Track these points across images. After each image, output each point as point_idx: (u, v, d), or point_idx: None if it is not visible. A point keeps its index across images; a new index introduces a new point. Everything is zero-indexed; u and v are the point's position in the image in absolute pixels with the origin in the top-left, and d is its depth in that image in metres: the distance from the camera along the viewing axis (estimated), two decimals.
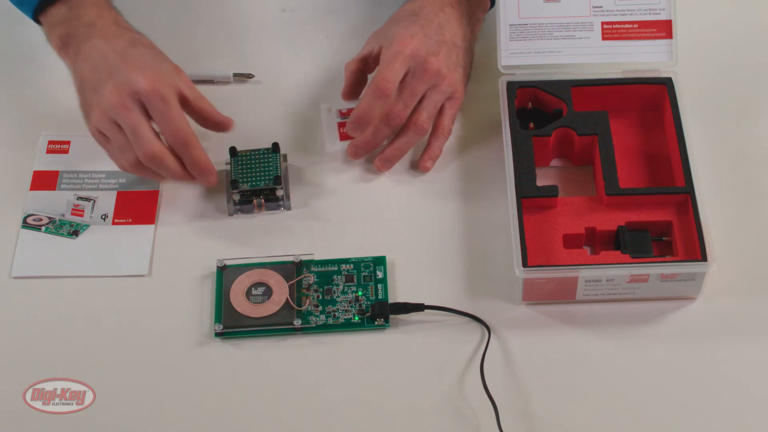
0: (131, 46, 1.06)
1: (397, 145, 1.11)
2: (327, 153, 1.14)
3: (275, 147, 1.11)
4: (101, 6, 1.08)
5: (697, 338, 1.02)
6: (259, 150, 1.11)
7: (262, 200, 1.09)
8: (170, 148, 1.05)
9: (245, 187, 1.09)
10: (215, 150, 1.11)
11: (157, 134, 1.04)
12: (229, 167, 1.10)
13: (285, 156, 1.12)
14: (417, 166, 1.12)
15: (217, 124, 1.09)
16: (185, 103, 1.07)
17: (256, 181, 1.09)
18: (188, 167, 1.06)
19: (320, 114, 1.16)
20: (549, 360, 1.01)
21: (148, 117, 1.04)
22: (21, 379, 1.00)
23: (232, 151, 1.10)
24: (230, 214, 1.09)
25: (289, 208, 1.10)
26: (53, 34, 1.09)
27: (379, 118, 1.09)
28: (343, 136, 1.14)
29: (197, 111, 1.08)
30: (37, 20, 1.10)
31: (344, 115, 1.15)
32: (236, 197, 1.09)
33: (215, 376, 1.01)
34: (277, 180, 1.09)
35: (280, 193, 1.09)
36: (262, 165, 1.10)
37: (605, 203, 1.06)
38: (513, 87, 1.11)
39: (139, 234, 1.09)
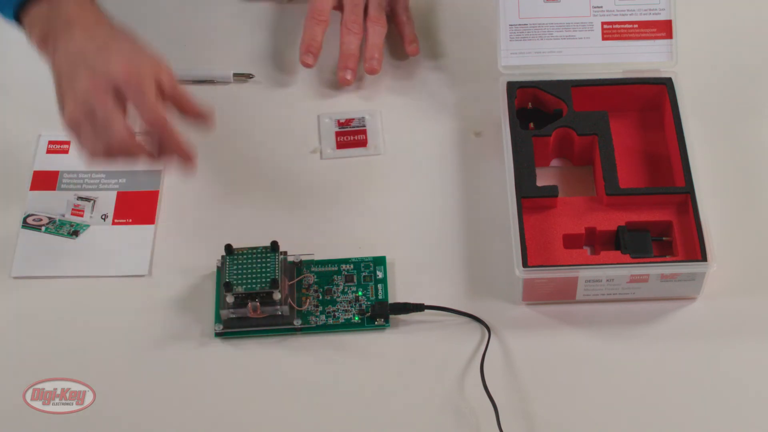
0: (111, 39, 1.03)
1: (370, 42, 1.19)
2: (326, 158, 1.14)
3: (274, 245, 1.02)
4: (82, 3, 1.05)
5: (697, 338, 1.02)
6: (256, 249, 1.02)
7: (258, 303, 1.00)
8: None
9: (240, 290, 1.00)
10: (213, 246, 1.05)
11: (129, 125, 1.00)
12: (222, 266, 1.02)
13: (285, 253, 1.03)
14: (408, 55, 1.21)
15: (197, 116, 1.04)
16: (164, 96, 1.02)
17: (252, 284, 1.01)
18: (167, 151, 1.02)
19: (318, 123, 1.16)
20: (549, 360, 1.01)
21: (123, 108, 1.00)
22: (21, 379, 1.00)
23: (228, 248, 1.02)
24: (222, 319, 1.02)
25: (287, 313, 1.02)
26: (33, 32, 1.05)
27: (342, 34, 1.19)
28: (341, 144, 1.14)
29: (176, 102, 1.03)
30: (19, 20, 1.07)
31: (342, 124, 1.15)
32: (230, 300, 1.00)
33: (215, 376, 1.00)
34: (274, 283, 1.00)
35: (277, 296, 1.00)
36: (258, 265, 1.01)
37: (605, 203, 1.06)
38: (513, 87, 1.11)
39: (139, 234, 1.09)
